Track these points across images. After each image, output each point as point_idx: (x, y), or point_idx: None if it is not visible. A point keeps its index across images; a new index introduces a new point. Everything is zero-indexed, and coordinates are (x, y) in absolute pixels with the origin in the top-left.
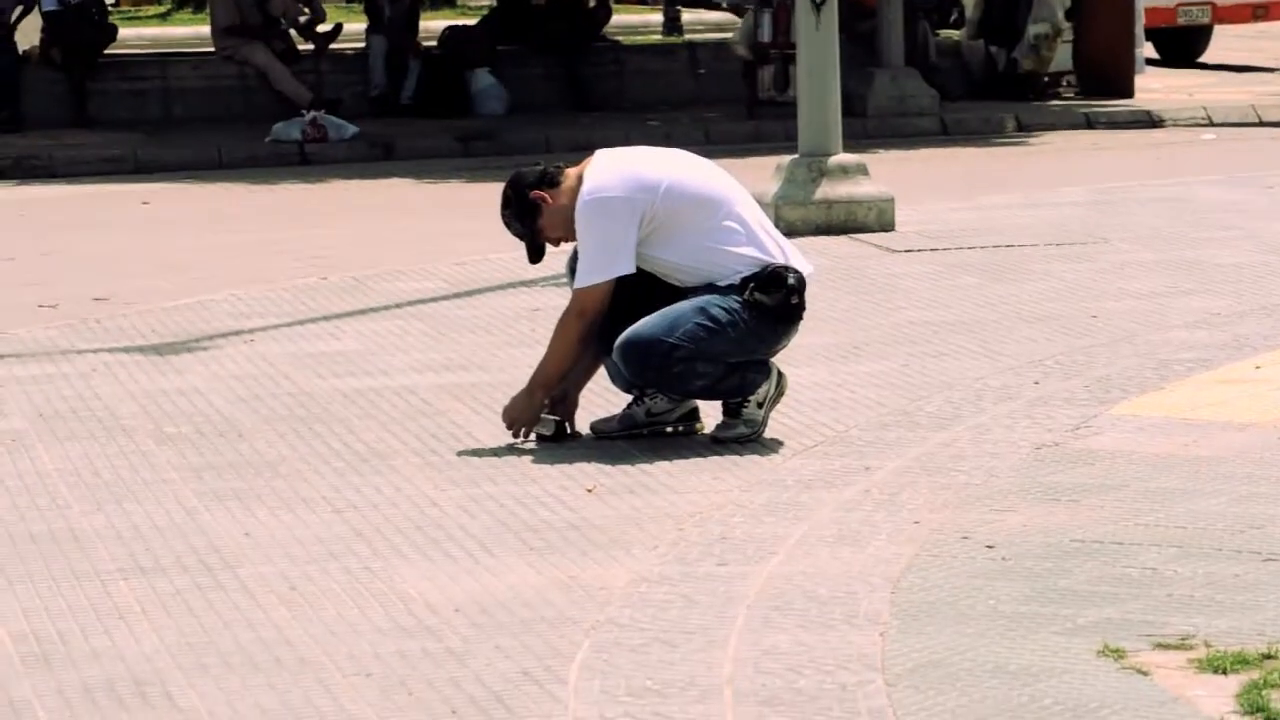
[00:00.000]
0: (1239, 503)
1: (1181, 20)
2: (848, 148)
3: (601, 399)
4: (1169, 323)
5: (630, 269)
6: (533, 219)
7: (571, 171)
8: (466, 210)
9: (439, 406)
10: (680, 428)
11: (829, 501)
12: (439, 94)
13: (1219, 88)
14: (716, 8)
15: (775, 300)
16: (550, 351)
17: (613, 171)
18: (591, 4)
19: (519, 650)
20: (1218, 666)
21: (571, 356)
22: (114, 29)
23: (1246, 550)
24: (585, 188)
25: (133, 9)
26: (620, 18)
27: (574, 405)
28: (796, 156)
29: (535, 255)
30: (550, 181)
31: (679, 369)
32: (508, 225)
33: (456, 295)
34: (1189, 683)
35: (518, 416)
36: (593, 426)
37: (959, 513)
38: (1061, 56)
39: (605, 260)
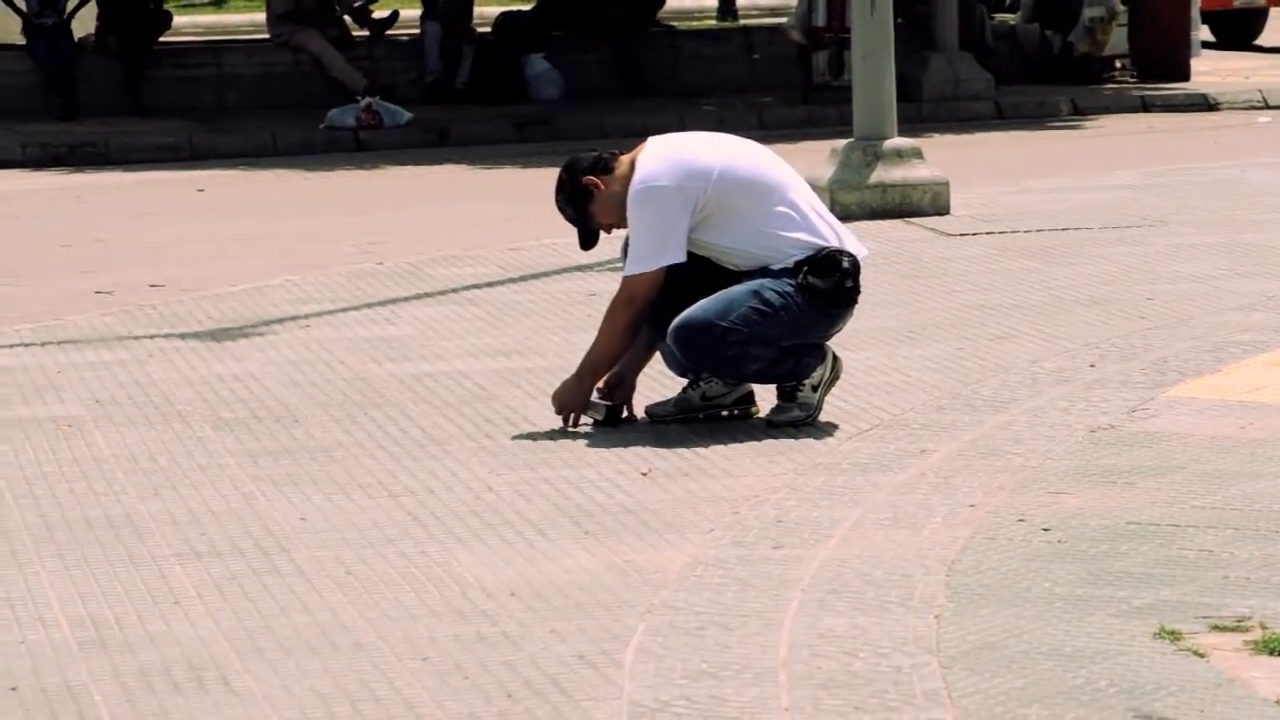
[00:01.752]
0: None
1: (1238, 3)
2: (903, 131)
3: (657, 383)
4: (1225, 305)
5: (680, 258)
6: (585, 205)
7: (625, 158)
8: (521, 195)
9: (494, 391)
10: (735, 411)
11: (884, 485)
12: (493, 80)
13: (1275, 70)
14: None
15: (829, 284)
16: (599, 338)
17: (665, 159)
18: None
19: (574, 634)
20: (1274, 648)
21: (620, 343)
22: (169, 16)
23: None
24: (637, 175)
25: None
26: (674, 2)
27: (631, 390)
28: (851, 140)
29: (587, 241)
30: (604, 168)
31: (733, 353)
32: (561, 210)
33: (511, 280)
34: (1245, 664)
35: (566, 402)
36: (648, 410)
37: (1015, 495)
38: (1117, 40)
39: (655, 249)
